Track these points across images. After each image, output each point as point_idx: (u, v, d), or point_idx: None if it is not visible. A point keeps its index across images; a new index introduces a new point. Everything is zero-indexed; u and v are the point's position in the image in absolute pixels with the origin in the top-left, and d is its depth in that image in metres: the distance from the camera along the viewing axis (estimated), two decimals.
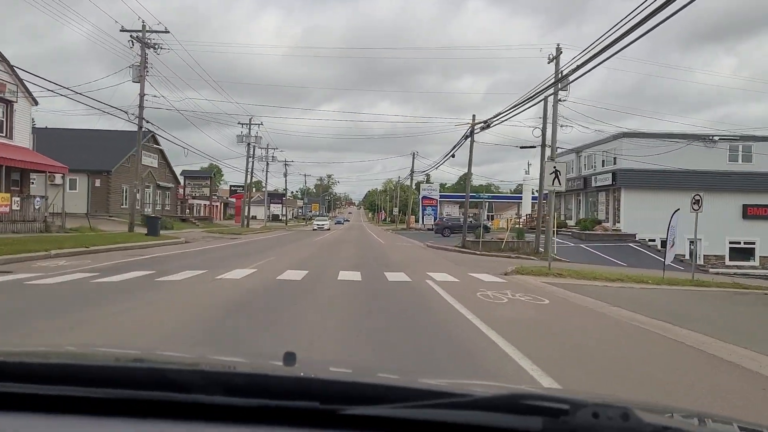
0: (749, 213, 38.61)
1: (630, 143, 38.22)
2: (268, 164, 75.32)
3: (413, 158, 69.81)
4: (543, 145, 31.74)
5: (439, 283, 12.21)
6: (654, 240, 37.86)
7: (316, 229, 56.19)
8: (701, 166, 38.25)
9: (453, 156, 39.12)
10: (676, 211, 18.50)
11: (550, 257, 16.69)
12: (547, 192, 34.19)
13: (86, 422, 0.97)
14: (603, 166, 42.03)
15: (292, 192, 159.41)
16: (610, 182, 39.94)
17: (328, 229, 57.51)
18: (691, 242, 40.17)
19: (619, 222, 39.82)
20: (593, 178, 42.52)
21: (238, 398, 0.99)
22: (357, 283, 11.74)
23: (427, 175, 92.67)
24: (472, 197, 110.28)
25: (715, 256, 38.09)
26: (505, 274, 15.20)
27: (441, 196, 77.27)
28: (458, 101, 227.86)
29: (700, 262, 36.48)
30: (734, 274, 34.50)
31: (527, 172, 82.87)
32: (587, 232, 37.87)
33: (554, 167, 16.13)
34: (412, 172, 70.22)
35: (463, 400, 1.00)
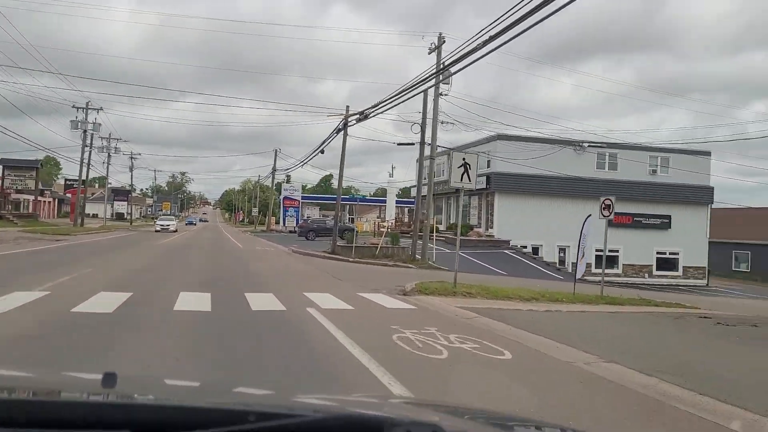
0: (614, 221, 38.75)
1: (505, 146, 36.94)
2: (109, 155, 66.90)
3: (275, 155, 65.24)
4: (422, 143, 29.04)
5: (327, 312, 8.47)
6: (526, 246, 36.79)
7: (159, 231, 47.53)
8: (572, 172, 37.85)
9: (322, 152, 35.50)
10: (588, 216, 16.24)
11: (456, 272, 13.54)
12: (426, 194, 31.70)
13: None
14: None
15: (143, 189, 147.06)
16: (484, 186, 38.38)
17: (175, 231, 48.59)
18: (562, 250, 39.99)
19: (492, 228, 38.40)
20: None
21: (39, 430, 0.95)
22: (203, 318, 7.68)
23: (288, 176, 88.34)
24: (334, 199, 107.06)
25: (552, 261, 37.79)
26: (405, 294, 11.79)
27: (302, 198, 73.28)
28: (321, 103, 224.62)
29: (569, 270, 36.05)
30: (599, 281, 34.26)
31: (391, 175, 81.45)
32: (461, 237, 35.83)
33: (463, 159, 13.03)
34: (274, 170, 65.56)
35: (276, 424, 0.97)
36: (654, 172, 39.26)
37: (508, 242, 36.22)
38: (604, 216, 15.60)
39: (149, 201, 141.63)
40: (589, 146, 38.45)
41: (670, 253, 39.56)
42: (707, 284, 39.96)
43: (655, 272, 39.24)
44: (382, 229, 48.77)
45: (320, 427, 0.97)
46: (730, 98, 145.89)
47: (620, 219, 39.02)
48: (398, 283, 15.08)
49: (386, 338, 6.65)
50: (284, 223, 66.54)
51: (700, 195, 39.43)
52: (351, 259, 26.82)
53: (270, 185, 73.06)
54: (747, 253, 49.67)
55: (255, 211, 79.45)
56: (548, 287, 17.12)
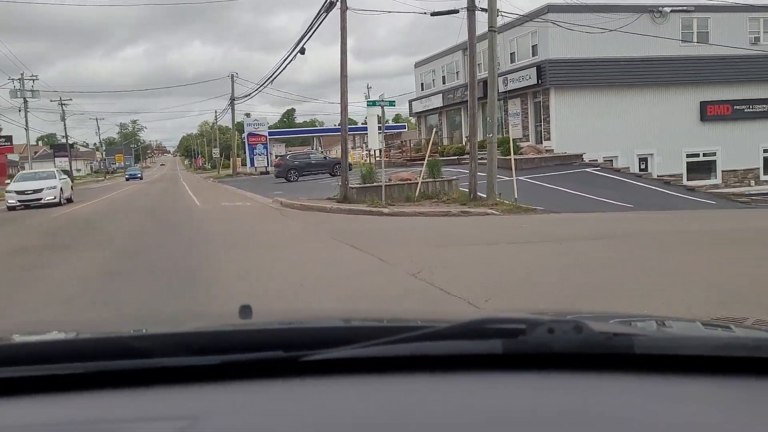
0: (709, 113, 28.51)
1: (559, 20, 25.66)
2: (25, 101, 53.69)
3: (232, 81, 52.75)
4: (471, 6, 17.88)
5: None
6: (610, 160, 26.46)
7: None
8: (650, 52, 27.10)
9: (302, 52, 23.80)
10: None
11: None
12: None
13: (48, 400, 0.91)
14: (514, 61, 29.41)
15: (95, 144, 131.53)
16: (533, 81, 27.45)
17: (48, 200, 21.88)
18: (642, 160, 29.57)
19: (547, 139, 27.78)
20: (500, 79, 29.69)
21: (201, 357, 0.96)
22: None
23: (247, 114, 75.93)
24: (300, 133, 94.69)
25: (670, 175, 27.48)
26: None
27: (268, 134, 61.26)
28: (276, 38, 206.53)
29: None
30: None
31: (368, 97, 69.52)
32: (516, 157, 25.20)
33: None
34: (233, 99, 53.28)
35: (427, 333, 1.00)
36: (756, 40, 28.66)
37: (580, 156, 25.76)
38: None
39: (99, 155, 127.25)
40: (671, 11, 27.54)
41: None
42: None
43: (762, 177, 29.39)
44: (367, 160, 37.96)
45: (464, 332, 0.97)
46: None
47: (717, 110, 28.66)
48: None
49: None
50: (253, 164, 55.04)
51: None
52: (385, 210, 16.03)
53: (229, 123, 60.46)
54: None
55: (216, 152, 67.32)
56: None
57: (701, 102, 28.30)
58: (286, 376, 0.94)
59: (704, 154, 28.82)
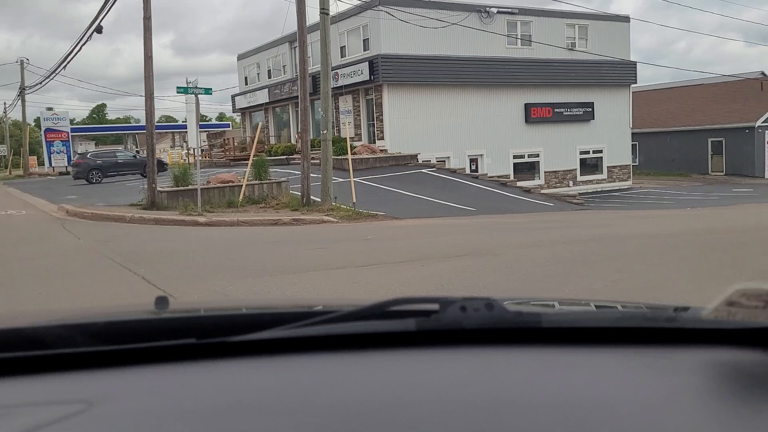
0: (533, 116, 29.09)
1: (390, 12, 24.40)
2: None
3: (22, 68, 45.24)
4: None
5: None
6: (443, 161, 25.68)
7: None
8: (479, 52, 26.97)
9: (99, 31, 19.91)
10: None
11: None
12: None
13: None
14: (345, 55, 27.70)
15: None
16: (365, 77, 25.90)
17: None
18: (473, 161, 29.31)
19: (381, 138, 26.42)
20: (331, 74, 27.82)
21: (105, 346, 0.94)
22: None
23: (49, 108, 67.00)
24: (115, 129, 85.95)
25: (499, 176, 27.54)
26: None
27: (71, 131, 53.74)
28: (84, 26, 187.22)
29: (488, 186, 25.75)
30: (537, 193, 24.33)
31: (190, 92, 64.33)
32: (354, 157, 23.47)
33: None
34: (23, 89, 45.73)
35: (341, 314, 1.01)
36: (572, 45, 29.81)
37: (415, 157, 24.72)
38: None
39: None
40: (497, 12, 27.60)
41: (593, 152, 31.23)
42: (640, 187, 32.60)
43: (579, 178, 30.73)
44: (185, 161, 34.33)
45: (378, 313, 0.99)
46: None
47: (539, 112, 29.34)
48: None
49: None
50: (51, 163, 47.97)
51: (622, 73, 31.17)
52: (201, 218, 13.25)
53: (27, 117, 51.95)
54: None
55: (2, 149, 58.14)
56: None
57: (526, 104, 28.78)
58: (193, 361, 0.92)
59: (529, 155, 29.41)
